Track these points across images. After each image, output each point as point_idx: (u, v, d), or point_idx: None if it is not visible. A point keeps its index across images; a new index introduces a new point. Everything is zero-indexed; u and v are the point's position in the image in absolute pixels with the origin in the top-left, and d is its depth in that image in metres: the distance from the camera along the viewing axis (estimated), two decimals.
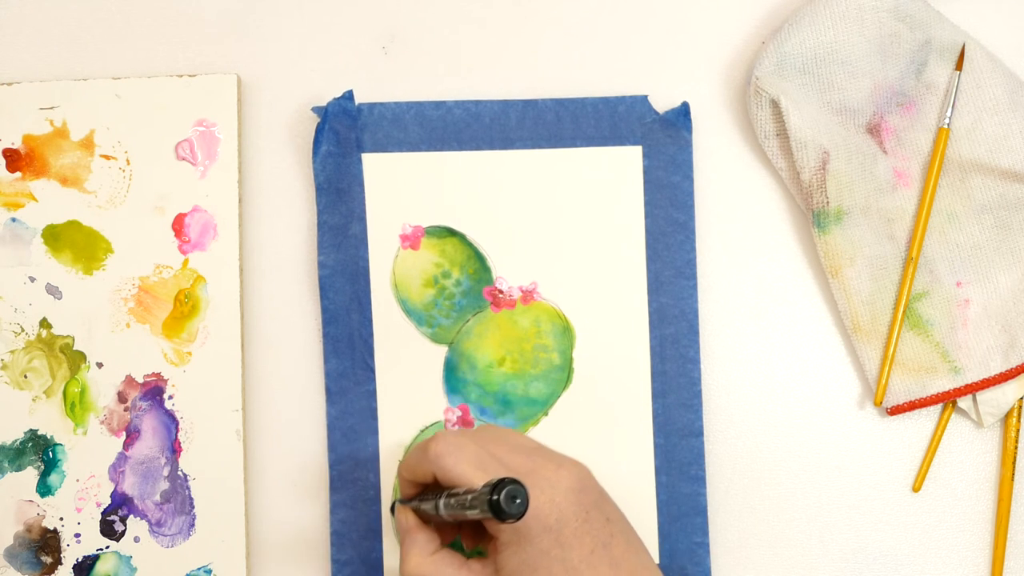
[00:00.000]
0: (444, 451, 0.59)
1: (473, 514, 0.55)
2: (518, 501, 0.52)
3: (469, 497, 0.55)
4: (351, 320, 0.69)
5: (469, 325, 0.69)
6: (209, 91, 0.69)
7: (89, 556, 0.68)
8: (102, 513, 0.68)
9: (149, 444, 0.68)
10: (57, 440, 0.68)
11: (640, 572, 0.60)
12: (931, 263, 0.69)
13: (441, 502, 0.59)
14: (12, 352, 0.68)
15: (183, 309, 0.69)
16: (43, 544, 0.68)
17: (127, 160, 0.69)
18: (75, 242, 0.69)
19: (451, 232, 0.70)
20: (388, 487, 0.69)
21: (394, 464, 0.69)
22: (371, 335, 0.69)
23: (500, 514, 0.52)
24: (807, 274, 0.71)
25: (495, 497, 0.52)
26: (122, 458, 0.68)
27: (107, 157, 0.69)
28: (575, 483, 0.60)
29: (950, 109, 0.69)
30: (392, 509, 0.68)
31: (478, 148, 0.70)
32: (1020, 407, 0.69)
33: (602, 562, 0.59)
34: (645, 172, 0.70)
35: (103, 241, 0.69)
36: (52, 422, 0.68)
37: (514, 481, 0.52)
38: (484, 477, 0.58)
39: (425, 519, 0.62)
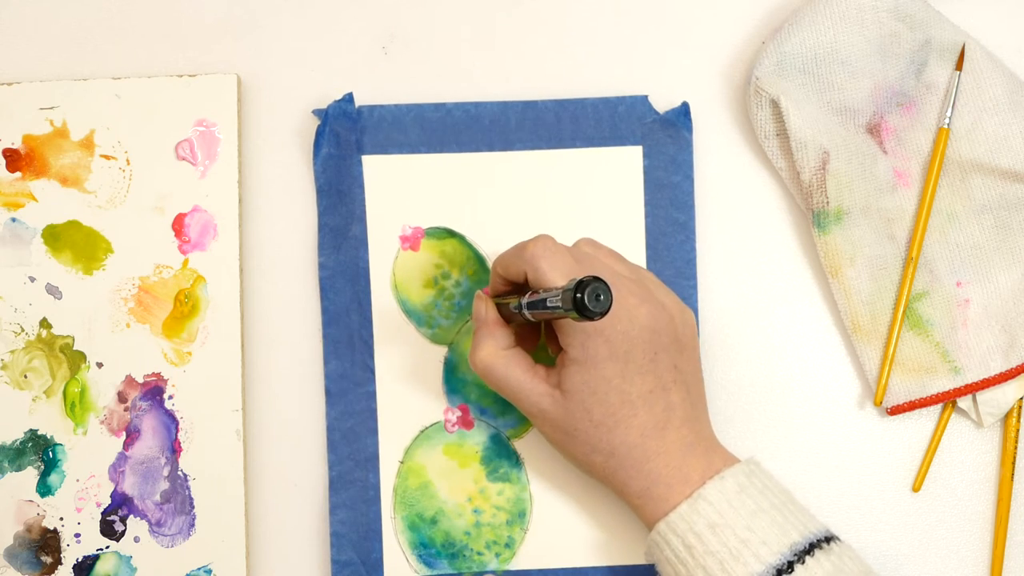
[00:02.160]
0: (540, 254, 0.60)
1: (555, 311, 0.56)
2: (601, 299, 0.53)
3: (552, 292, 0.56)
4: (351, 321, 0.69)
5: (469, 326, 0.69)
6: (209, 91, 0.69)
7: (89, 556, 0.68)
8: (102, 513, 0.68)
9: (149, 444, 0.68)
10: (57, 440, 0.68)
11: (693, 423, 0.62)
12: (931, 263, 0.69)
13: (525, 300, 0.60)
14: (12, 352, 0.68)
15: (183, 309, 0.69)
16: (43, 544, 0.68)
17: (127, 160, 0.69)
18: (75, 242, 0.69)
19: (451, 233, 0.70)
20: (388, 487, 0.69)
21: (394, 464, 0.69)
22: (371, 336, 0.69)
23: (583, 310, 0.53)
24: (807, 274, 0.71)
25: (579, 294, 0.53)
26: (122, 458, 0.68)
27: (107, 157, 0.69)
28: (652, 322, 0.61)
29: (950, 109, 0.69)
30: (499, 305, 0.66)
31: (478, 149, 0.70)
32: (1020, 407, 0.69)
33: (659, 403, 0.61)
34: (645, 172, 0.70)
35: (103, 241, 0.69)
36: (52, 422, 0.68)
37: (598, 279, 0.53)
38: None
39: (506, 318, 0.63)
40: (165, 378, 0.68)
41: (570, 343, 0.61)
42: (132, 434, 0.68)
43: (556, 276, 0.60)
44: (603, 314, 0.53)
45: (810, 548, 0.59)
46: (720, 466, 0.62)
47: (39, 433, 0.68)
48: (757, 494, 0.60)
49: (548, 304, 0.56)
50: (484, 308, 0.64)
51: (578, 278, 0.53)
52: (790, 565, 0.58)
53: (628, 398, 0.61)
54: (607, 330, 0.60)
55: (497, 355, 0.63)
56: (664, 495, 0.61)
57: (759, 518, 0.59)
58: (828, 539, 0.60)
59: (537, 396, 0.62)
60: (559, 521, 0.69)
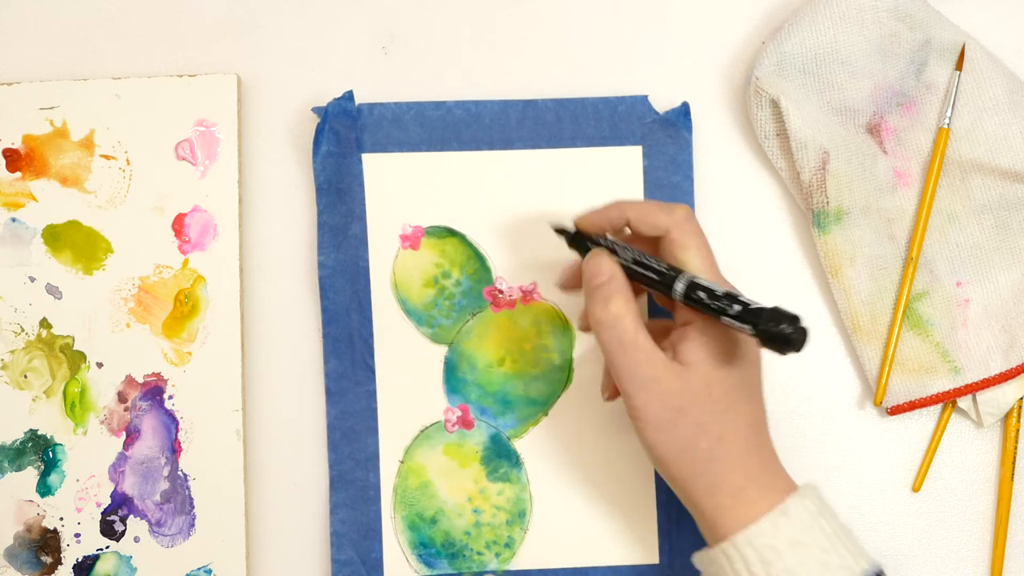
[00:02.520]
0: (689, 229, 0.60)
1: (729, 320, 0.56)
2: (794, 341, 0.54)
3: (738, 305, 0.55)
4: (351, 320, 0.69)
5: (469, 325, 0.69)
6: (209, 91, 0.69)
7: (89, 556, 0.68)
8: (102, 513, 0.68)
9: (149, 444, 0.68)
10: (57, 440, 0.68)
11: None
12: (931, 263, 0.69)
13: (681, 286, 0.58)
14: (12, 352, 0.68)
15: (183, 309, 0.69)
16: (43, 544, 0.68)
17: (127, 160, 0.69)
18: (75, 242, 0.69)
19: (451, 232, 0.70)
20: (388, 487, 0.69)
21: (394, 463, 0.69)
22: (371, 335, 0.69)
23: (779, 344, 0.53)
24: (807, 274, 0.71)
25: (790, 330, 0.53)
26: (122, 458, 0.68)
27: (107, 157, 0.69)
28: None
29: (950, 109, 0.69)
30: (572, 237, 0.64)
31: (478, 148, 0.70)
32: (1020, 407, 0.69)
33: (760, 401, 0.61)
34: (645, 172, 0.70)
35: (103, 241, 0.69)
36: (52, 422, 0.68)
37: (797, 319, 0.53)
38: (713, 277, 0.59)
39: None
40: (165, 378, 0.68)
41: (696, 318, 0.59)
42: (132, 434, 0.68)
43: (700, 262, 0.59)
44: (795, 350, 0.53)
45: None
46: (793, 485, 0.60)
47: (39, 433, 0.68)
48: (831, 517, 0.59)
49: (729, 310, 0.56)
50: (607, 265, 0.60)
51: (777, 308, 0.53)
52: None
53: (747, 382, 0.59)
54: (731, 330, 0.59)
55: (630, 310, 0.59)
56: (755, 499, 0.58)
57: (835, 542, 0.58)
58: (881, 574, 0.59)
59: (659, 363, 0.58)
60: (559, 521, 0.69)
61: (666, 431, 0.58)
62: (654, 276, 0.59)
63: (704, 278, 0.58)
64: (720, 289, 0.57)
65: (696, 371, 0.58)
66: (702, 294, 0.57)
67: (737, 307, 0.56)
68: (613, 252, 0.61)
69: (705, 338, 0.59)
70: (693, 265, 0.59)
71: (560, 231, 0.65)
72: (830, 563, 0.57)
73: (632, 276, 0.60)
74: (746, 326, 0.55)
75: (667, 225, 0.60)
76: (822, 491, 0.60)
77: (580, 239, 0.63)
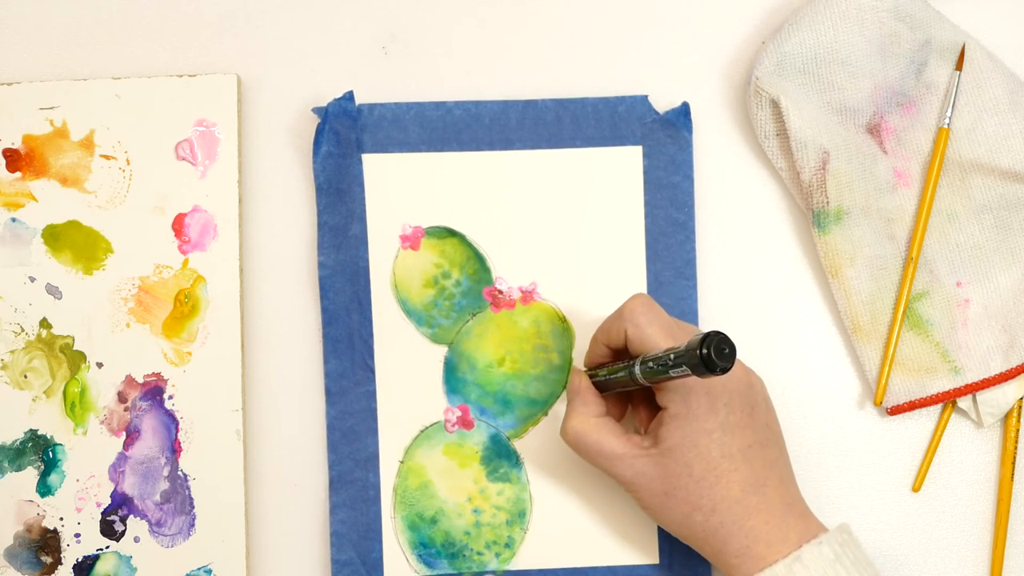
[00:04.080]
0: (639, 310, 0.62)
1: (676, 372, 0.57)
2: (727, 352, 0.54)
3: (673, 355, 0.57)
4: (351, 320, 0.69)
5: (469, 325, 0.69)
6: (209, 91, 0.69)
7: (89, 556, 0.68)
8: (102, 513, 0.68)
9: (149, 444, 0.68)
10: (57, 440, 0.68)
11: (789, 484, 0.63)
12: (931, 263, 0.69)
13: (637, 367, 0.60)
14: (12, 352, 0.68)
15: (183, 309, 0.69)
16: (43, 544, 0.68)
17: (127, 160, 0.69)
18: (75, 242, 0.69)
19: (451, 232, 0.70)
20: (388, 487, 0.69)
21: (394, 464, 0.69)
22: (371, 335, 0.69)
23: (710, 365, 0.54)
24: (807, 274, 0.71)
25: (704, 351, 0.54)
26: (122, 458, 0.68)
27: (107, 157, 0.69)
28: (747, 377, 0.63)
29: (950, 109, 0.69)
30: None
31: (478, 148, 0.70)
32: (1020, 407, 0.69)
33: (757, 459, 0.61)
34: (645, 172, 0.70)
35: (103, 241, 0.69)
36: (52, 422, 0.68)
37: (720, 333, 0.54)
38: (670, 343, 0.61)
39: (601, 389, 0.65)
40: (165, 378, 0.68)
41: (671, 399, 0.61)
42: (132, 434, 0.68)
43: (655, 331, 0.61)
44: (727, 369, 0.54)
45: None
46: (816, 531, 0.61)
47: (39, 433, 0.68)
48: (850, 565, 0.60)
49: (669, 362, 0.57)
50: (577, 378, 0.65)
51: (700, 334, 0.54)
52: None
53: (729, 451, 0.61)
54: (708, 384, 0.60)
55: (588, 422, 0.63)
56: (763, 554, 0.60)
57: None
58: None
59: (632, 458, 0.62)
60: (559, 521, 0.69)
61: (663, 513, 0.62)
62: (623, 375, 0.62)
63: (649, 356, 0.60)
64: (660, 352, 0.59)
65: (674, 455, 0.61)
66: (651, 364, 0.59)
67: (672, 356, 0.57)
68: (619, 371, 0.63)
69: (679, 420, 0.61)
70: (655, 341, 0.61)
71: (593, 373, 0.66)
72: None
73: (611, 386, 0.64)
74: (687, 370, 0.56)
75: (621, 328, 0.62)
76: (854, 534, 0.62)
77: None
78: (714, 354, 0.54)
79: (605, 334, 0.64)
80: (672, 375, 0.57)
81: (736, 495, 0.61)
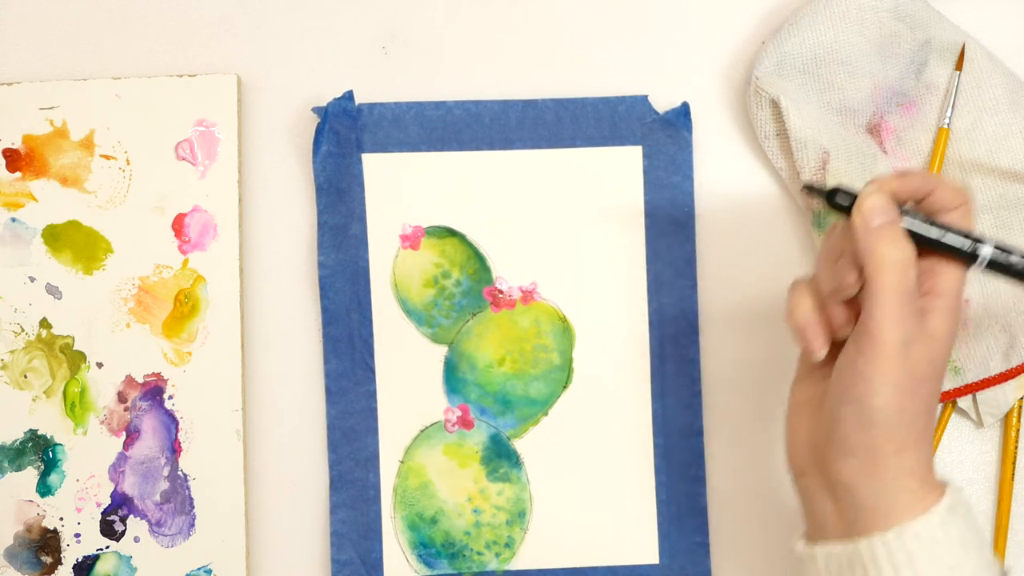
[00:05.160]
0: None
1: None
2: None
3: None
4: (351, 320, 0.69)
5: (469, 325, 0.69)
6: (209, 91, 0.69)
7: (89, 556, 0.68)
8: (102, 513, 0.68)
9: (149, 444, 0.68)
10: (57, 440, 0.68)
11: None
12: None
13: (988, 249, 0.54)
14: (12, 352, 0.68)
15: (183, 309, 0.69)
16: (43, 544, 0.68)
17: (127, 160, 0.69)
18: (75, 242, 0.69)
19: (451, 232, 0.70)
20: (388, 487, 0.69)
21: (394, 463, 0.69)
22: (371, 335, 0.69)
23: None
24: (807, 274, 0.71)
25: None
26: (122, 458, 0.68)
27: (107, 157, 0.69)
28: None
29: (950, 109, 0.69)
30: (831, 197, 0.57)
31: (478, 148, 0.70)
32: (1020, 407, 0.69)
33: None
34: (645, 172, 0.70)
35: (103, 241, 0.69)
36: (52, 422, 0.68)
37: None
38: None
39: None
40: (165, 378, 0.68)
41: (948, 290, 0.55)
42: (132, 434, 0.68)
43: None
44: None
45: None
46: (942, 491, 0.55)
47: (39, 433, 0.68)
48: (973, 525, 0.55)
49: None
50: (892, 204, 0.55)
51: None
52: None
53: (938, 388, 0.55)
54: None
55: (914, 258, 0.54)
56: (918, 490, 0.54)
57: (970, 553, 0.53)
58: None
59: (922, 326, 0.54)
60: (559, 521, 0.69)
61: (900, 396, 0.54)
62: (953, 235, 0.55)
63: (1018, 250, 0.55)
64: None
65: (941, 346, 0.55)
66: (1015, 259, 0.55)
67: None
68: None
69: (953, 314, 0.55)
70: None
71: (812, 189, 0.58)
72: (988, 562, 0.53)
73: (919, 241, 0.56)
74: None
75: (961, 202, 0.56)
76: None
77: (836, 198, 0.57)
78: None
79: (938, 197, 0.56)
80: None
81: (933, 407, 0.55)
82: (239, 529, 0.68)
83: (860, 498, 0.54)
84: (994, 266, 0.55)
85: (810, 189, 0.59)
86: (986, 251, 0.55)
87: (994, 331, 0.68)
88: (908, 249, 0.54)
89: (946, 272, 0.56)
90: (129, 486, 0.68)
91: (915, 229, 0.55)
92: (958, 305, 0.55)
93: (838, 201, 0.56)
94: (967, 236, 0.55)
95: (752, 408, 0.70)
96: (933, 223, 0.55)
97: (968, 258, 0.55)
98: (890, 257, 0.54)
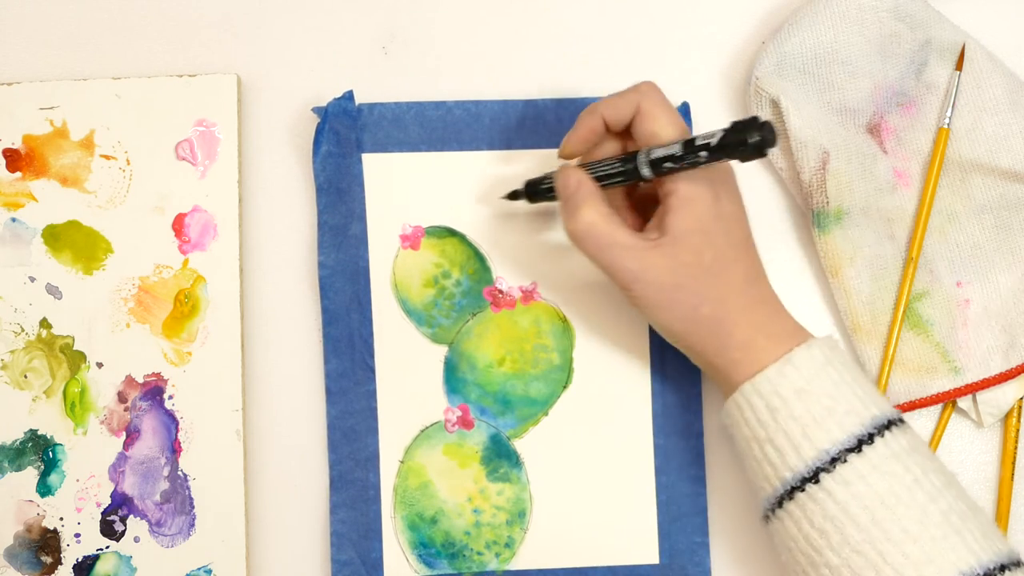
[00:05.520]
0: (653, 92, 0.62)
1: (695, 159, 0.58)
2: (765, 137, 0.57)
3: (707, 134, 0.58)
4: (351, 320, 0.69)
5: (469, 325, 0.69)
6: (209, 91, 0.69)
7: (89, 556, 0.68)
8: (102, 513, 0.68)
9: (149, 444, 0.68)
10: (57, 440, 0.68)
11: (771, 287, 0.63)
12: (931, 263, 0.69)
13: (643, 157, 0.61)
14: (12, 352, 0.68)
15: (183, 309, 0.69)
16: (43, 544, 0.68)
17: (127, 160, 0.69)
18: (75, 242, 0.69)
19: (451, 232, 0.70)
20: (388, 487, 0.69)
21: (394, 463, 0.69)
22: (371, 335, 0.69)
23: (752, 148, 0.56)
24: (807, 274, 0.71)
25: (757, 136, 0.56)
26: (122, 458, 0.68)
27: (107, 157, 0.69)
28: (731, 167, 0.64)
29: (950, 109, 0.69)
30: (532, 186, 0.67)
31: (478, 148, 0.70)
32: (1020, 407, 0.69)
33: (751, 253, 0.63)
34: None
35: (103, 241, 0.69)
36: (52, 422, 0.68)
37: (757, 118, 0.56)
38: (677, 130, 0.61)
39: None
40: (165, 378, 0.68)
41: (675, 188, 0.61)
42: (132, 434, 0.68)
43: (666, 112, 0.61)
44: (768, 148, 0.56)
45: (888, 424, 0.59)
46: (805, 336, 0.62)
47: (39, 433, 0.68)
48: (840, 367, 0.60)
49: (702, 159, 0.58)
50: (575, 176, 0.62)
51: (732, 121, 0.57)
52: (870, 436, 0.58)
53: (732, 240, 0.61)
54: (709, 173, 0.61)
55: (600, 215, 0.61)
56: (764, 346, 0.60)
57: (842, 389, 0.59)
58: (901, 420, 0.60)
59: (642, 250, 0.60)
60: (559, 521, 0.69)
61: (668, 308, 0.61)
62: (620, 168, 0.62)
63: (660, 147, 0.60)
64: (678, 148, 0.59)
65: (684, 242, 0.60)
66: (668, 164, 0.60)
67: (703, 153, 0.58)
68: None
69: (690, 206, 0.60)
70: (666, 132, 0.61)
71: (512, 195, 0.67)
72: (836, 410, 0.58)
73: (602, 182, 0.63)
74: (723, 157, 0.57)
75: (634, 100, 0.62)
76: (839, 344, 0.62)
77: (534, 188, 0.66)
78: (766, 134, 0.56)
79: (611, 108, 0.62)
80: (688, 163, 0.58)
81: (740, 285, 0.61)
82: (239, 529, 0.68)
83: (715, 375, 0.63)
84: (661, 172, 0.61)
85: (514, 195, 0.67)
86: (644, 170, 0.61)
87: (994, 331, 0.68)
88: (586, 211, 0.61)
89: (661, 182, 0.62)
90: (129, 486, 0.68)
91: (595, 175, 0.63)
92: (689, 197, 0.61)
93: (542, 189, 0.65)
94: (625, 160, 0.62)
95: None
96: (599, 165, 0.63)
97: (635, 175, 0.62)
98: (571, 229, 0.62)
